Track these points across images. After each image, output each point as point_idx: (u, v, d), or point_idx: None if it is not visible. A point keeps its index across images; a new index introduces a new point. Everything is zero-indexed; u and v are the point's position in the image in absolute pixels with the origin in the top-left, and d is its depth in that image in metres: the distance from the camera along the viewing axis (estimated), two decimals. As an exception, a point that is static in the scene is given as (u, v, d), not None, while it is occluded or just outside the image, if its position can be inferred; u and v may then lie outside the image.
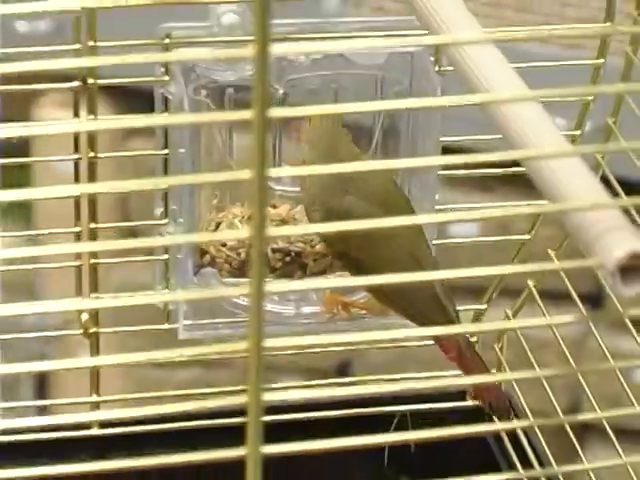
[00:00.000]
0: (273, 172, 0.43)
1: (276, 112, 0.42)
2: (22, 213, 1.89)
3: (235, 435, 0.47)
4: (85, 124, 0.82)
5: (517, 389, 0.90)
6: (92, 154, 0.82)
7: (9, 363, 1.77)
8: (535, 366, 0.89)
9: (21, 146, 1.70)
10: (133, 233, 1.37)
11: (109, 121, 0.69)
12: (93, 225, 0.84)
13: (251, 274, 0.43)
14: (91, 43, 0.78)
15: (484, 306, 0.95)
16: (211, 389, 0.94)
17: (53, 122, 0.63)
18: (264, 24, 0.39)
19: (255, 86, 0.40)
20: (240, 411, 0.46)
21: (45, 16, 1.69)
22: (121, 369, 1.76)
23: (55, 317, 1.29)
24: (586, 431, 1.70)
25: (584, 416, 0.70)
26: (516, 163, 0.75)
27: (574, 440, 0.84)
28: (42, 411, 1.69)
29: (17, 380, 1.86)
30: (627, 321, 0.77)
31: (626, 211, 0.49)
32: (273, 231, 0.46)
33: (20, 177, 1.67)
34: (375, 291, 0.82)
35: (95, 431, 0.88)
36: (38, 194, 0.55)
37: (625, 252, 0.45)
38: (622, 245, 0.45)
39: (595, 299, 1.68)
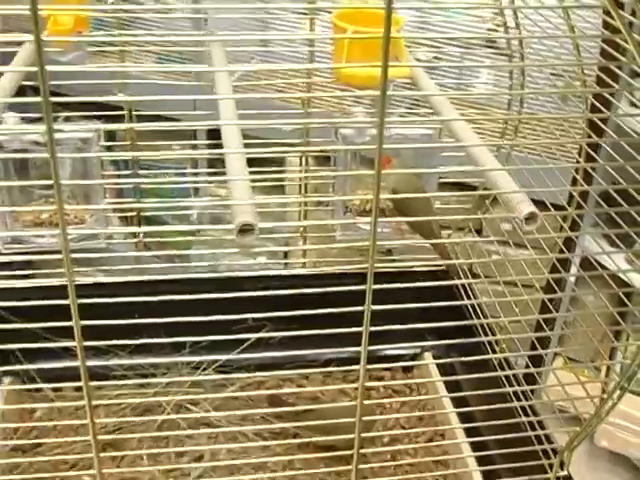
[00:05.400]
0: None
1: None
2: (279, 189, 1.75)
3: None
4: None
5: (465, 268, 0.81)
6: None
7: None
8: (470, 255, 0.80)
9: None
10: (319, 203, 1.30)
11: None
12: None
13: (371, 215, 0.39)
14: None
15: (451, 232, 0.87)
16: (348, 258, 0.83)
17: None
18: (382, 118, 0.35)
19: (378, 137, 0.36)
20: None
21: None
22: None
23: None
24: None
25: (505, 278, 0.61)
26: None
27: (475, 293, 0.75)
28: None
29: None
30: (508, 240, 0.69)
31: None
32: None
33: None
34: (409, 225, 0.74)
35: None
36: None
37: (527, 211, 0.39)
38: (526, 208, 0.40)
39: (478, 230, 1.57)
